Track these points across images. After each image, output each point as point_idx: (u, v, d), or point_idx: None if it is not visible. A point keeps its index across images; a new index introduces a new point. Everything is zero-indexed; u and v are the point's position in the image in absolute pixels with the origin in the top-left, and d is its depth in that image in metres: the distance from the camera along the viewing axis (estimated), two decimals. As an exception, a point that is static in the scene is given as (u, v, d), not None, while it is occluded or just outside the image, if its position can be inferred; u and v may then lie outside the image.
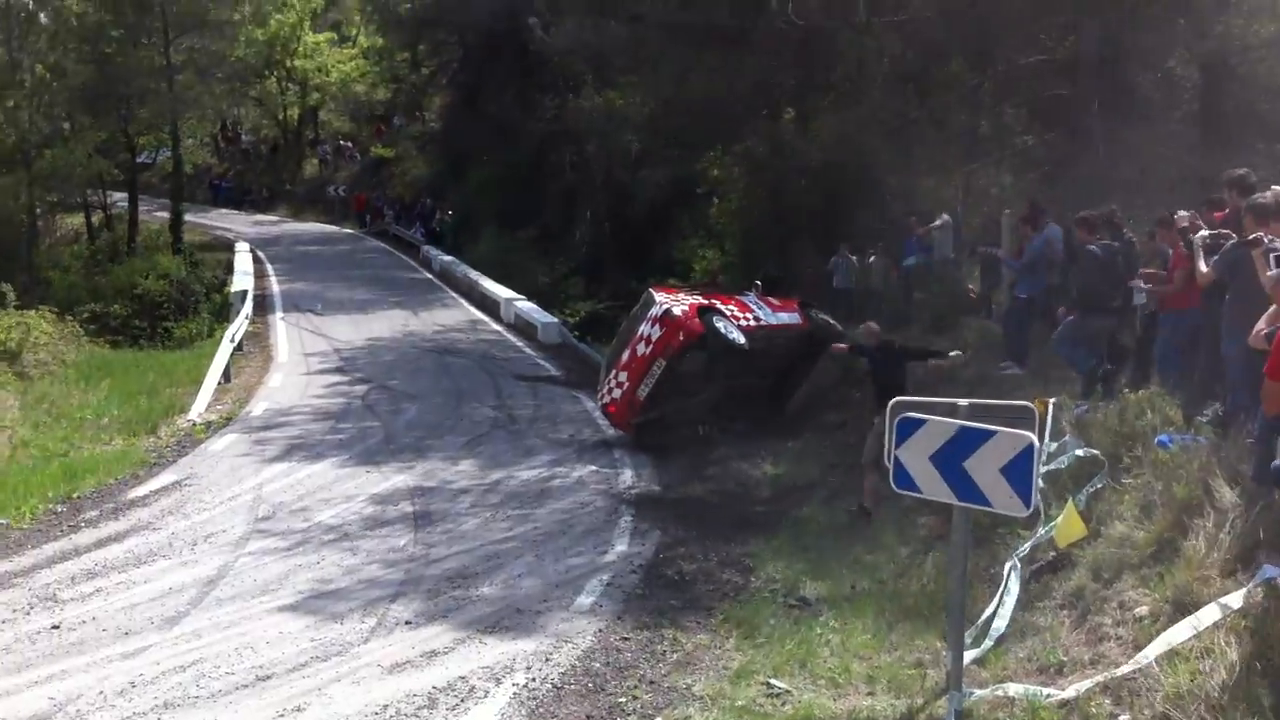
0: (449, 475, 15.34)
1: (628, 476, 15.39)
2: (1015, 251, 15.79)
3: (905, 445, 7.37)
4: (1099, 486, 9.45)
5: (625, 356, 16.89)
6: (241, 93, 53.28)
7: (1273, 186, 10.22)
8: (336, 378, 22.76)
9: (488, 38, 41.82)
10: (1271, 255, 8.77)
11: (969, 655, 7.87)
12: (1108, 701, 6.80)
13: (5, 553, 11.99)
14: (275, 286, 35.43)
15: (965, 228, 21.11)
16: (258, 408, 19.84)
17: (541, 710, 8.19)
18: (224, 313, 29.87)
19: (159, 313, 30.73)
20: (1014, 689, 7.31)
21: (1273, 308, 7.81)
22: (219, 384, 21.44)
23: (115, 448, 16.83)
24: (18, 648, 9.36)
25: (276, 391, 21.41)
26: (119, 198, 42.74)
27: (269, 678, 8.72)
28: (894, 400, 7.93)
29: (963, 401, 7.65)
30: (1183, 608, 7.03)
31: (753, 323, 17.05)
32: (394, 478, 15.08)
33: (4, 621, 9.96)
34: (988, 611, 8.68)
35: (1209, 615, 6.60)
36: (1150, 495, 8.70)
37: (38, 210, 37.11)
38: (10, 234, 35.90)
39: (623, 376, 16.80)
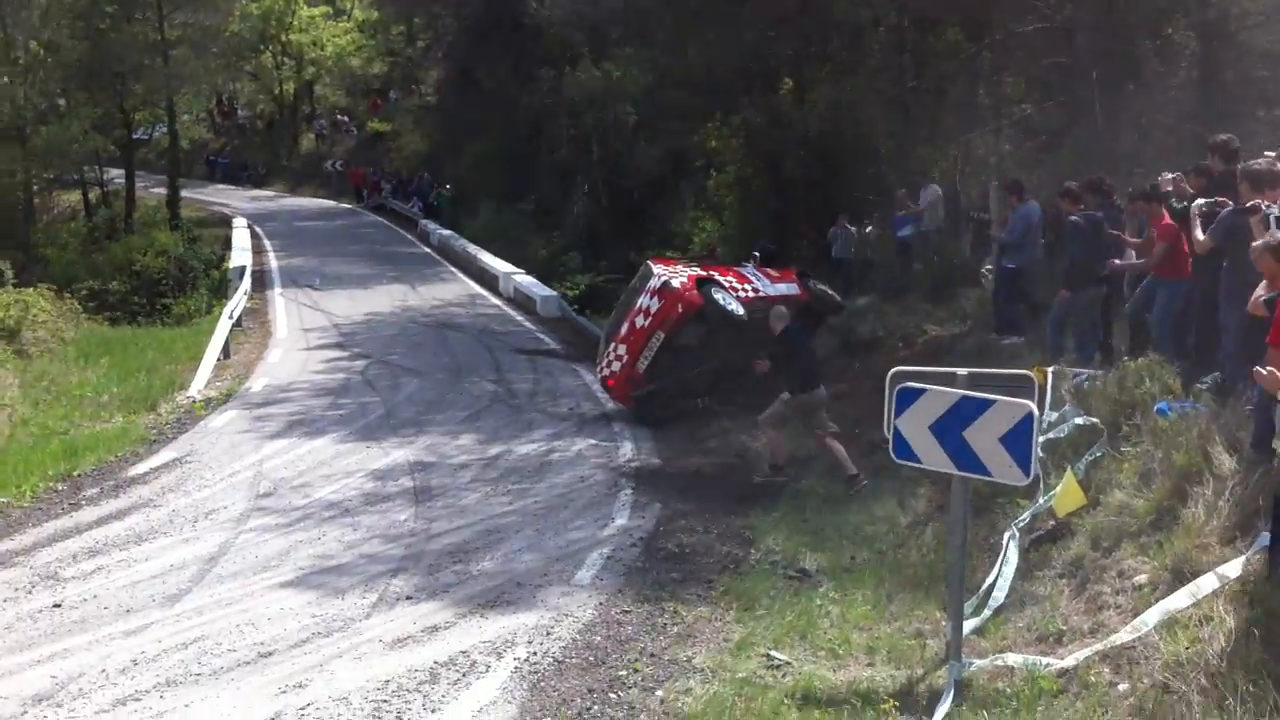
0: (449, 450, 15.34)
1: (627, 449, 15.39)
2: (1002, 219, 15.83)
3: (905, 415, 7.38)
4: (1098, 455, 9.46)
5: (624, 329, 16.88)
6: (237, 68, 53.08)
7: (1266, 153, 10.23)
8: (336, 353, 22.75)
9: (483, 10, 41.70)
10: (1272, 218, 8.78)
11: (968, 625, 7.90)
12: (1107, 670, 6.84)
13: (6, 531, 12.00)
14: (273, 262, 35.41)
15: (965, 197, 21.10)
16: (257, 384, 19.83)
17: (543, 684, 8.21)
18: (222, 289, 29.84)
19: (157, 289, 30.61)
20: (1013, 659, 7.36)
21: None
22: (218, 360, 21.42)
23: (115, 425, 16.81)
24: (19, 626, 9.37)
25: (276, 367, 21.40)
26: (116, 174, 42.59)
27: (271, 654, 8.73)
28: (894, 370, 7.92)
29: (961, 371, 7.65)
30: (1182, 576, 7.06)
31: (751, 294, 17.03)
32: (394, 453, 15.08)
33: (5, 600, 9.98)
34: (987, 581, 8.70)
35: (1208, 583, 6.62)
36: (1149, 463, 8.71)
37: (34, 187, 36.94)
38: (7, 212, 35.75)
39: (621, 349, 16.78)
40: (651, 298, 16.63)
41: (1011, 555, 8.80)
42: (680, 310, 16.32)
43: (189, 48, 41.01)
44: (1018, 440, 6.93)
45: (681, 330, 16.46)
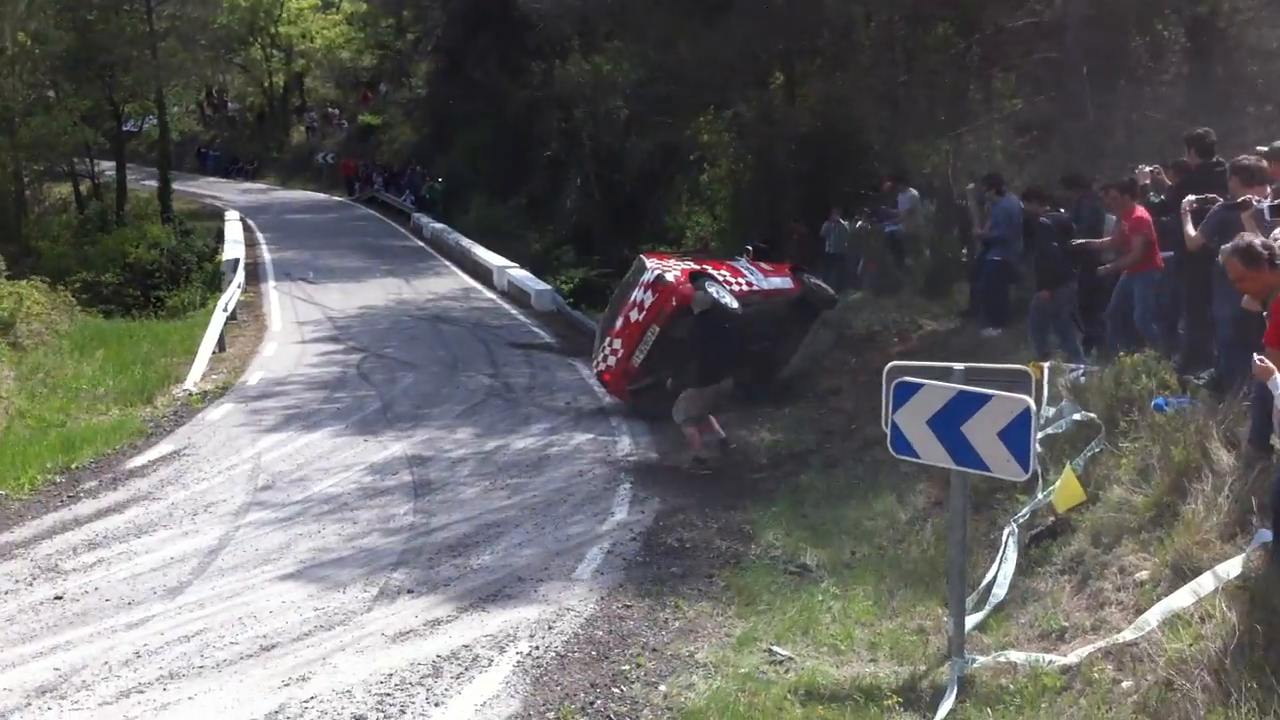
0: (446, 444, 15.37)
1: (625, 444, 15.43)
2: (981, 218, 15.99)
3: (902, 410, 7.43)
4: (1097, 451, 9.50)
5: (619, 324, 16.90)
6: (226, 60, 52.96)
7: (1257, 148, 10.32)
8: (331, 346, 22.78)
9: (472, 2, 41.63)
10: (1266, 211, 8.86)
11: (970, 621, 7.94)
12: (1110, 667, 6.89)
13: (6, 524, 12.03)
14: (266, 255, 35.42)
15: (956, 191, 21.14)
16: (253, 377, 19.85)
17: (546, 678, 8.23)
18: (216, 282, 29.77)
19: (150, 282, 30.65)
20: (1016, 655, 7.40)
21: None
22: (213, 353, 21.45)
23: (112, 418, 16.83)
24: (21, 619, 9.40)
25: (271, 360, 21.42)
26: (106, 167, 42.54)
27: (273, 647, 8.76)
28: (891, 365, 7.98)
29: (958, 365, 7.70)
30: (1183, 572, 7.10)
31: (745, 288, 17.04)
32: (391, 447, 15.11)
33: (7, 593, 10.01)
34: (987, 578, 8.76)
35: (1209, 580, 6.68)
36: (1148, 459, 8.75)
37: (24, 179, 36.86)
38: (-2, 204, 35.82)
39: (617, 344, 16.80)
40: (645, 292, 16.64)
41: (1010, 552, 8.84)
42: (674, 304, 16.34)
43: (177, 39, 40.88)
44: (1016, 435, 6.97)
45: (676, 324, 16.48)
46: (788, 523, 11.74)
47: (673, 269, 16.92)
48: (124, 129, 42.77)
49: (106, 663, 8.47)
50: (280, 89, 62.14)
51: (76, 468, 14.18)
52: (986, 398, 7.08)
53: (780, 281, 17.77)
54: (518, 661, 8.50)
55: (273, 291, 29.41)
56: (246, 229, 38.64)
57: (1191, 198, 10.31)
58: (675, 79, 28.00)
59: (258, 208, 45.78)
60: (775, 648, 8.52)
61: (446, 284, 31.30)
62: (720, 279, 16.88)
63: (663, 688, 8.05)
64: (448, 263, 34.81)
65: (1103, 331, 12.57)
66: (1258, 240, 7.32)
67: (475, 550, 11.09)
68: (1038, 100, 21.81)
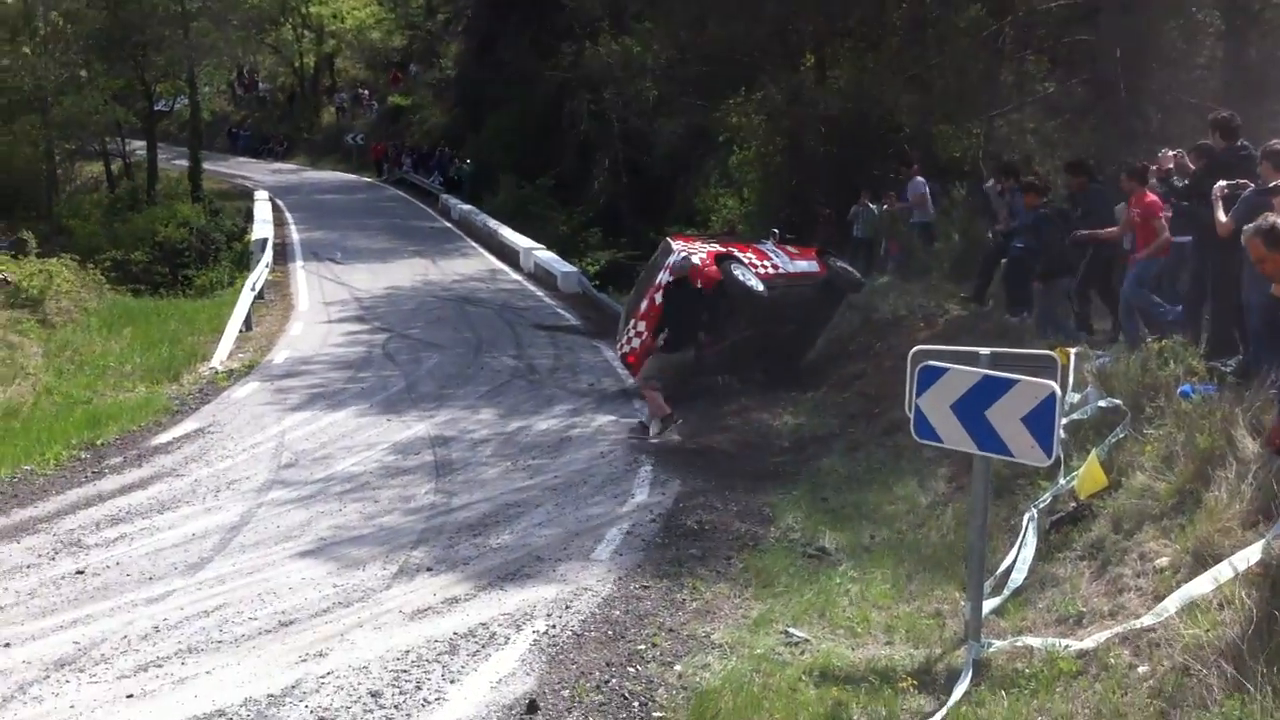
0: (469, 424, 15.39)
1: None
2: (1002, 212, 15.96)
3: (926, 394, 7.37)
4: (1121, 437, 9.42)
5: (643, 306, 16.85)
6: (257, 40, 53.04)
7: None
8: (357, 326, 22.84)
9: (503, -18, 41.68)
10: None
11: (987, 606, 7.89)
12: (1127, 653, 6.83)
13: (30, 498, 12.11)
14: (295, 235, 35.50)
15: (987, 174, 21.00)
16: (279, 356, 19.92)
17: (562, 657, 8.24)
18: (244, 261, 29.95)
19: (179, 260, 30.73)
20: (1032, 640, 7.36)
21: None
22: (240, 332, 21.54)
23: (138, 395, 16.91)
24: (43, 592, 9.46)
25: (298, 340, 21.50)
26: (137, 146, 42.69)
27: (292, 623, 8.79)
28: (915, 349, 7.93)
29: (984, 350, 7.64)
30: (1203, 559, 7.04)
31: (771, 270, 16.97)
32: (415, 426, 15.14)
33: (29, 566, 10.07)
34: (1006, 562, 8.71)
35: (1228, 567, 6.61)
36: (1172, 446, 8.67)
37: (56, 158, 37.08)
38: (30, 182, 36.01)
39: (641, 326, 16.75)
40: (671, 274, 16.59)
41: (1030, 537, 8.79)
42: (699, 286, 16.28)
43: (209, 19, 40.98)
44: (1040, 421, 6.91)
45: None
46: (808, 506, 11.71)
47: (699, 251, 16.86)
48: (155, 109, 42.84)
49: (125, 637, 8.51)
50: (311, 69, 62.25)
51: (102, 444, 14.27)
52: (1012, 382, 7.02)
53: (806, 265, 17.68)
54: (534, 640, 8.51)
55: (300, 271, 29.48)
56: (275, 209, 38.79)
57: (1223, 183, 10.19)
58: (705, 60, 27.94)
59: (287, 188, 45.89)
60: (791, 629, 8.51)
61: (473, 265, 31.32)
62: (746, 261, 16.82)
63: (678, 667, 8.04)
64: (475, 244, 34.83)
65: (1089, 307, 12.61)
66: None
67: (495, 530, 11.10)
68: (1070, 83, 21.62)
